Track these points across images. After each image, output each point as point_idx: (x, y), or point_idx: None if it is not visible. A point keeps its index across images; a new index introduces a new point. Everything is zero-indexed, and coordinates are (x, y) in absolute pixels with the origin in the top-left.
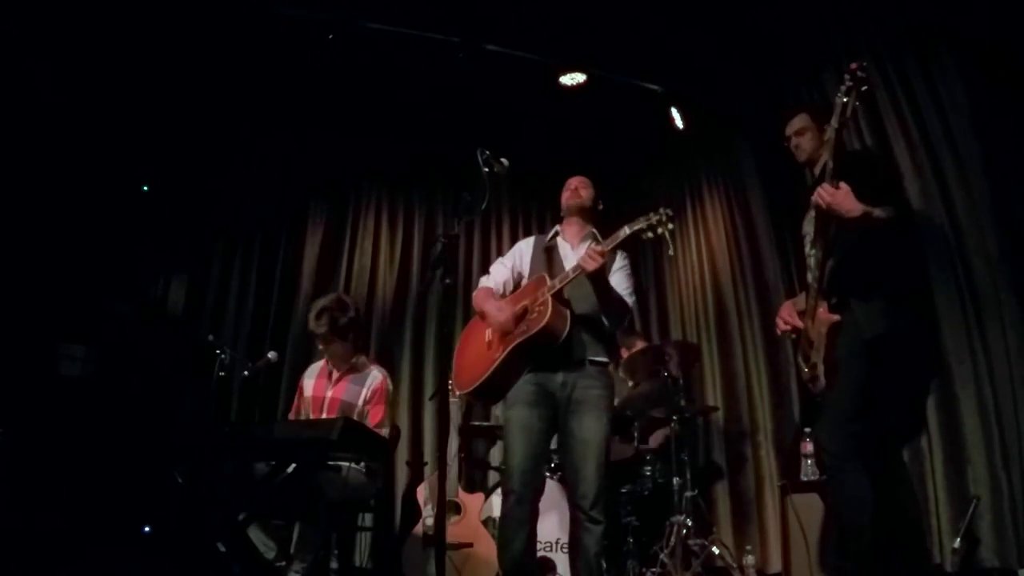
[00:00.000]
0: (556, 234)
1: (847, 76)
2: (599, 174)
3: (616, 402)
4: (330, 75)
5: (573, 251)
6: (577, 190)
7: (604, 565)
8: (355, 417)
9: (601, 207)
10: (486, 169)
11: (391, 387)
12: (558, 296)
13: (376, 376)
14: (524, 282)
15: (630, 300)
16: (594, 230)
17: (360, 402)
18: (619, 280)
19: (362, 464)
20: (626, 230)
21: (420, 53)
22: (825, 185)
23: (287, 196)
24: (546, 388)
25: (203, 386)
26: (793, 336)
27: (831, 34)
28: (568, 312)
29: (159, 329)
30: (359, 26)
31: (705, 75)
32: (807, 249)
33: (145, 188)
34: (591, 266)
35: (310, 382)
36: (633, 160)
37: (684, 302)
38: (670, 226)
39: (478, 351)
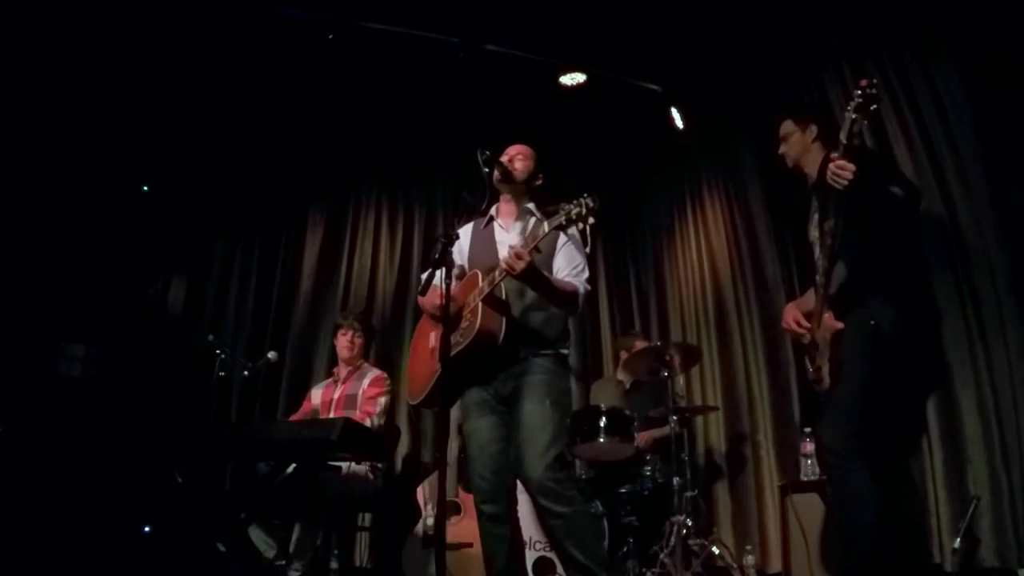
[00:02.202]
0: (491, 219)
1: (857, 93)
2: (599, 174)
3: (618, 402)
4: (330, 75)
5: (507, 234)
6: (512, 161)
7: (596, 548)
8: (357, 407)
9: (540, 182)
10: (486, 169)
11: (389, 380)
12: (490, 298)
13: (375, 371)
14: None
15: (580, 279)
16: (531, 206)
17: (360, 392)
18: (565, 259)
19: (362, 464)
20: (545, 228)
21: (420, 53)
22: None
23: (287, 196)
24: (495, 392)
25: (203, 386)
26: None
27: (831, 34)
28: (501, 316)
29: (159, 329)
30: (359, 26)
31: (705, 75)
32: (816, 254)
33: (145, 188)
34: (514, 270)
35: (318, 391)
36: (633, 160)
37: (684, 302)
38: (591, 220)
39: (424, 358)
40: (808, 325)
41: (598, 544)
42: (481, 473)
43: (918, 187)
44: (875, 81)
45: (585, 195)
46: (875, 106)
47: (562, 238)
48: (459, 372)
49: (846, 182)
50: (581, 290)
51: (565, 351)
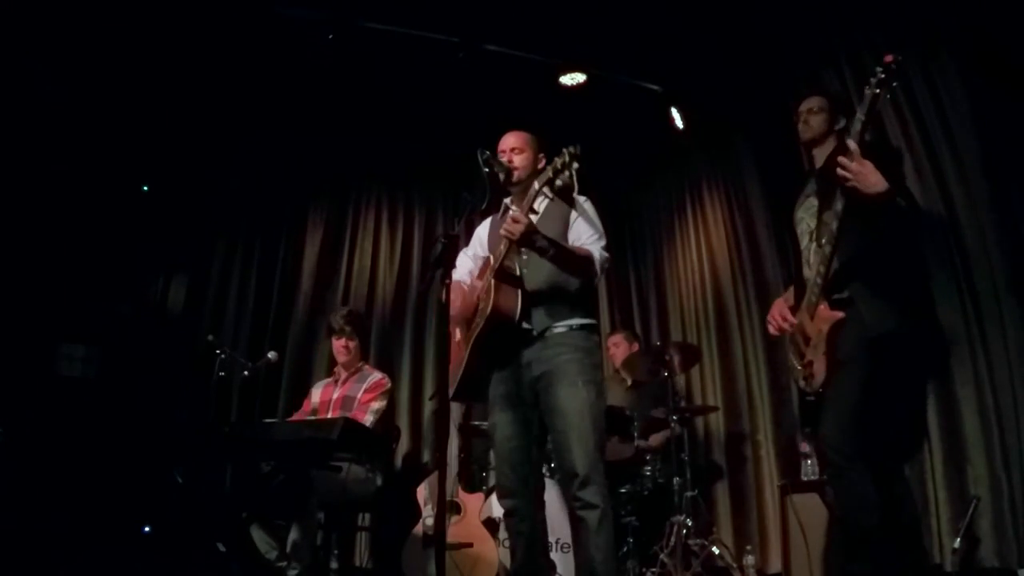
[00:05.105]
0: (507, 208)
1: (879, 69)
2: (599, 174)
3: (620, 401)
4: (330, 75)
5: None
6: (511, 160)
7: (613, 553)
8: (353, 408)
9: (543, 163)
10: (486, 169)
11: (390, 386)
12: (503, 274)
13: (376, 375)
14: None
15: (597, 246)
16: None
17: (357, 396)
18: (581, 228)
19: (362, 464)
20: (536, 186)
21: (420, 53)
22: (850, 154)
23: (287, 196)
24: (517, 381)
25: (203, 386)
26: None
27: (831, 34)
28: (516, 290)
29: (159, 329)
30: (359, 26)
31: (705, 75)
32: (804, 242)
33: (145, 188)
34: (514, 234)
35: (317, 391)
36: (633, 160)
37: (684, 302)
38: (575, 165)
39: (457, 352)
40: (794, 320)
41: (615, 553)
42: (501, 468)
43: (916, 199)
44: (900, 58)
45: (567, 146)
46: (896, 83)
47: (573, 213)
48: (482, 356)
49: (850, 174)
50: (596, 255)
51: (591, 320)
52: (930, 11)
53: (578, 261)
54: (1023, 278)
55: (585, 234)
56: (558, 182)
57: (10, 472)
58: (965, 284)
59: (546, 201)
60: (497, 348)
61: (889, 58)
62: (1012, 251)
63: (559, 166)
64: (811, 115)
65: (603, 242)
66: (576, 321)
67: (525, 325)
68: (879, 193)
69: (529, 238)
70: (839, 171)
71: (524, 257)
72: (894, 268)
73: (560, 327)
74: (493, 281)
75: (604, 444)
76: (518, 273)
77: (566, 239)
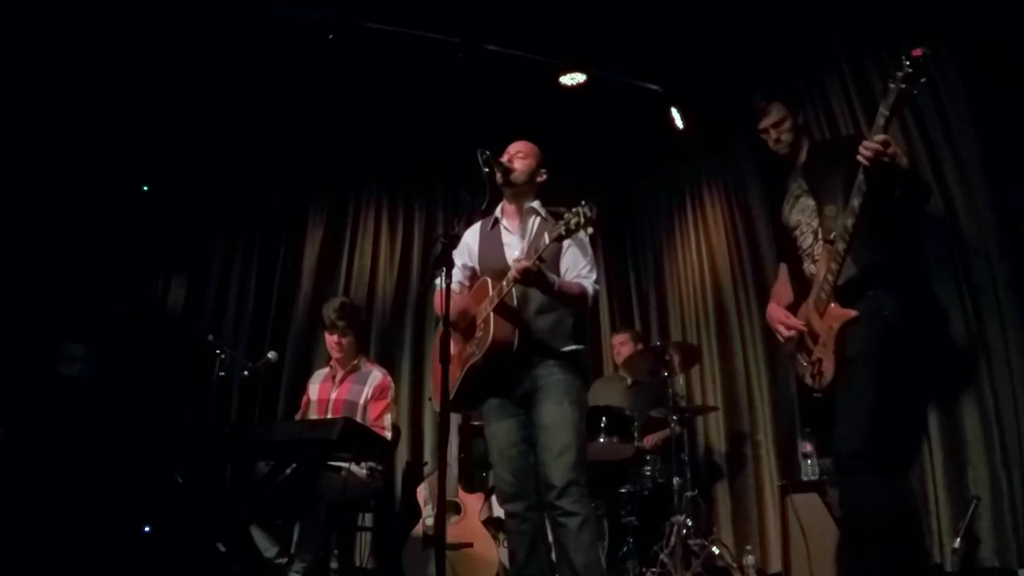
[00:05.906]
0: (496, 220)
1: (907, 62)
2: (599, 174)
3: (620, 400)
4: (330, 75)
5: (513, 236)
6: (511, 161)
7: (596, 560)
8: (358, 415)
9: (543, 178)
10: (486, 169)
11: (393, 386)
12: (501, 306)
13: (377, 375)
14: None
15: (590, 280)
16: (535, 204)
17: (362, 400)
18: (572, 260)
19: (363, 464)
20: (546, 239)
21: (420, 53)
22: (878, 139)
23: (287, 196)
24: (512, 395)
25: (203, 386)
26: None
27: (831, 34)
28: (513, 325)
29: (159, 329)
30: (359, 26)
31: (705, 75)
32: (808, 240)
33: (145, 188)
34: (521, 280)
35: (315, 387)
36: (633, 160)
37: (684, 302)
38: (590, 229)
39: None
40: (799, 323)
41: (597, 556)
42: (502, 475)
43: (929, 185)
44: (928, 52)
45: (583, 203)
46: (924, 79)
47: (567, 240)
48: (478, 381)
49: (886, 159)
50: (590, 290)
51: (580, 347)
52: (930, 11)
53: (574, 298)
54: (1023, 278)
55: (579, 264)
56: (568, 239)
57: (10, 472)
58: (965, 284)
59: (538, 220)
60: (494, 375)
61: (918, 52)
62: (1012, 250)
63: (573, 225)
64: (776, 129)
65: (594, 274)
66: (570, 347)
67: (522, 353)
68: (907, 169)
69: (535, 283)
70: (866, 152)
71: (522, 289)
72: (903, 265)
73: (556, 352)
74: (492, 314)
75: (584, 458)
76: (514, 304)
77: (559, 266)
